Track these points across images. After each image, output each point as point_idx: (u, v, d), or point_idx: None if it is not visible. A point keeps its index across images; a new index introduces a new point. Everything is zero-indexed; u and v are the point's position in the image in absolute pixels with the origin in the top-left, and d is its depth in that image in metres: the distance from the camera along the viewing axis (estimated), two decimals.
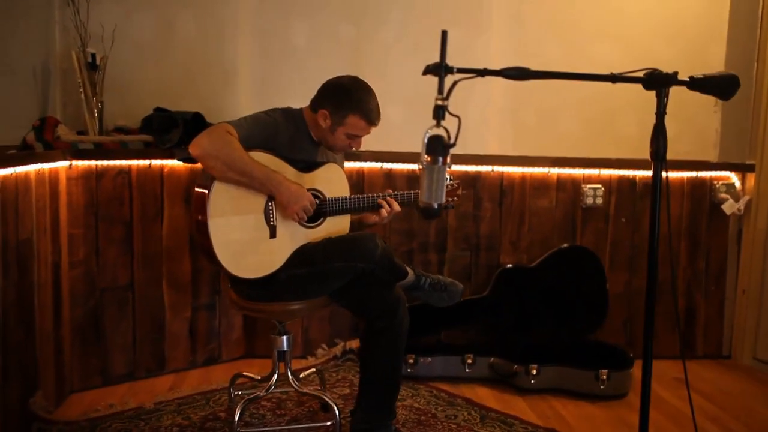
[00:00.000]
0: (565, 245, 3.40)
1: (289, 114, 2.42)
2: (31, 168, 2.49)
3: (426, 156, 1.67)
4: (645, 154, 3.40)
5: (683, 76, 1.92)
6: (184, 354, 3.19)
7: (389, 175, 3.36)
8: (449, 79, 1.68)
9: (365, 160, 3.31)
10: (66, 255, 2.83)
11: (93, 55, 3.02)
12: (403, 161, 3.34)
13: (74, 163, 2.86)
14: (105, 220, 2.94)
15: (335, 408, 2.38)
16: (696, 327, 3.56)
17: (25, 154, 2.63)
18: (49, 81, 3.04)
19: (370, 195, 2.45)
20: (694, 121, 3.49)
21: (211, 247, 2.17)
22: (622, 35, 3.43)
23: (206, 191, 2.19)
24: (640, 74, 1.93)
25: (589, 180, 3.46)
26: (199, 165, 3.09)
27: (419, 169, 1.75)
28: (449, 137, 1.69)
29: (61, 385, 2.78)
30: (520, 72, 1.83)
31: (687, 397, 2.90)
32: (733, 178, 3.48)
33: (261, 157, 2.24)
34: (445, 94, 1.70)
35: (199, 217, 2.21)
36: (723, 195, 3.45)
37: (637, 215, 3.50)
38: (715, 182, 3.48)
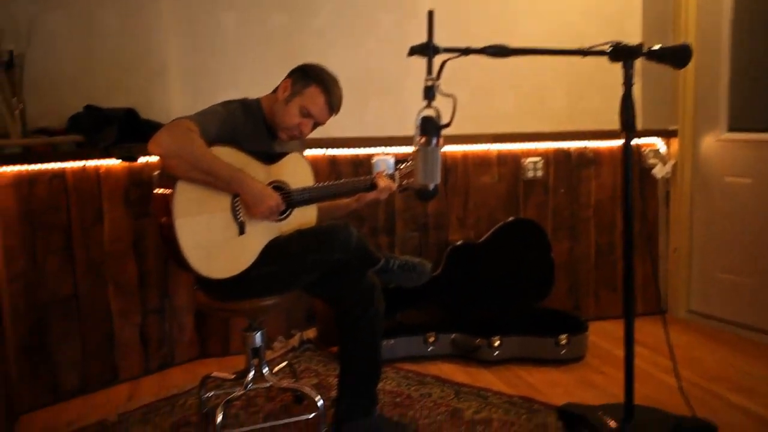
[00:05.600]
0: (510, 219, 3.48)
1: (247, 105, 2.33)
2: None
3: (419, 137, 1.67)
4: (575, 125, 3.57)
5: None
6: (137, 361, 3.05)
7: (333, 161, 3.32)
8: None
9: (308, 147, 3.24)
10: (3, 268, 2.64)
11: (11, 53, 2.82)
12: (348, 146, 3.31)
13: (2, 169, 2.66)
14: (42, 228, 2.76)
15: (318, 400, 2.35)
16: (634, 287, 3.72)
17: None
18: None
19: (336, 181, 2.42)
20: (617, 92, 3.64)
21: (180, 251, 2.06)
22: (546, 12, 3.54)
23: (170, 191, 2.08)
24: (606, 47, 2.00)
25: (528, 154, 3.55)
26: (138, 164, 2.98)
27: (413, 150, 1.74)
28: (440, 117, 1.70)
29: (10, 408, 2.60)
30: (499, 50, 1.87)
31: (639, 354, 3.11)
32: (659, 143, 3.67)
33: (224, 152, 2.15)
34: (435, 74, 1.70)
35: (164, 220, 2.09)
36: (652, 161, 3.62)
37: (574, 185, 3.63)
38: (643, 149, 3.66)
